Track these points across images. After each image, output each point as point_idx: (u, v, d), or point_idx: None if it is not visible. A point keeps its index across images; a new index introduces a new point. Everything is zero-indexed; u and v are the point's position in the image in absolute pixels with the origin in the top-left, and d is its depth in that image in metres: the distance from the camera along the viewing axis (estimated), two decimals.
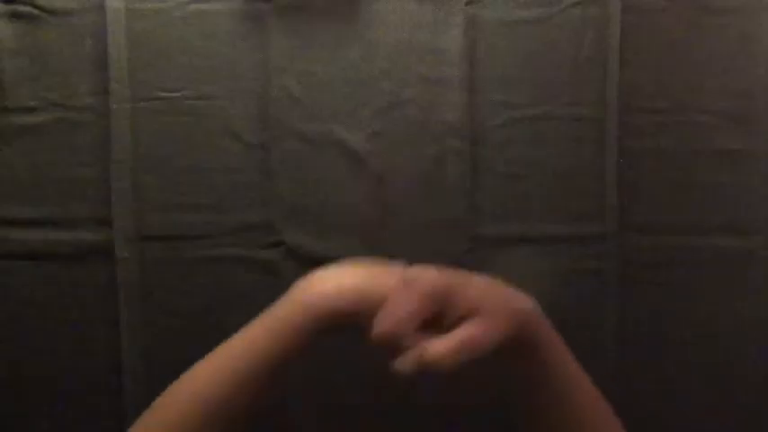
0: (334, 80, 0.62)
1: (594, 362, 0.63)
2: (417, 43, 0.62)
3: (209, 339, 0.51)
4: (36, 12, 0.62)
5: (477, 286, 0.44)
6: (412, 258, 0.63)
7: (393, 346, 0.41)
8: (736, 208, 0.63)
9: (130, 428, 0.47)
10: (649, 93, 0.63)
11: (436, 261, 0.62)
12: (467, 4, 0.62)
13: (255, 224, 0.63)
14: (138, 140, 0.62)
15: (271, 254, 0.63)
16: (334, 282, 0.46)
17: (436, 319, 0.42)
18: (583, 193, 0.63)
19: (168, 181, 0.63)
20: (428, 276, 0.43)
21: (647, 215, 0.63)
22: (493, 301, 0.42)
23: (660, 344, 0.64)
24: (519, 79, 0.63)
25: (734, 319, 0.63)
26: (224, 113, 0.62)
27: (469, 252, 0.63)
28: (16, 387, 0.63)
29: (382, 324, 0.41)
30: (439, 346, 0.40)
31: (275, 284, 0.62)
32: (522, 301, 0.44)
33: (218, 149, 0.62)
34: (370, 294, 0.44)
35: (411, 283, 0.43)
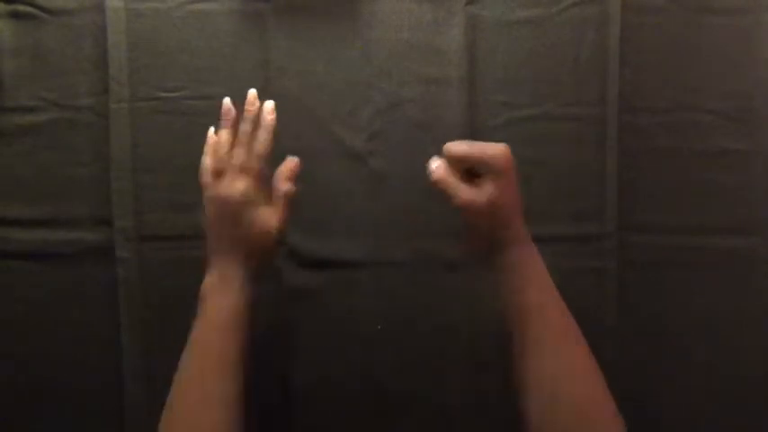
0: (334, 80, 0.62)
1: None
2: (417, 43, 0.62)
3: None
4: (36, 12, 0.62)
5: None
6: (412, 257, 0.63)
7: None
8: (736, 208, 0.63)
9: None
10: (649, 93, 0.63)
11: (437, 261, 0.63)
12: (467, 4, 0.62)
13: None
14: (137, 140, 0.62)
15: None
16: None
17: None
18: (583, 193, 0.63)
19: (168, 181, 0.63)
20: None
21: (647, 215, 0.63)
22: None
23: (659, 343, 0.64)
24: (519, 79, 0.63)
25: (733, 318, 0.63)
26: None
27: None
28: (16, 387, 0.63)
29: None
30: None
31: (275, 284, 0.62)
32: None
33: None
34: None
35: None
